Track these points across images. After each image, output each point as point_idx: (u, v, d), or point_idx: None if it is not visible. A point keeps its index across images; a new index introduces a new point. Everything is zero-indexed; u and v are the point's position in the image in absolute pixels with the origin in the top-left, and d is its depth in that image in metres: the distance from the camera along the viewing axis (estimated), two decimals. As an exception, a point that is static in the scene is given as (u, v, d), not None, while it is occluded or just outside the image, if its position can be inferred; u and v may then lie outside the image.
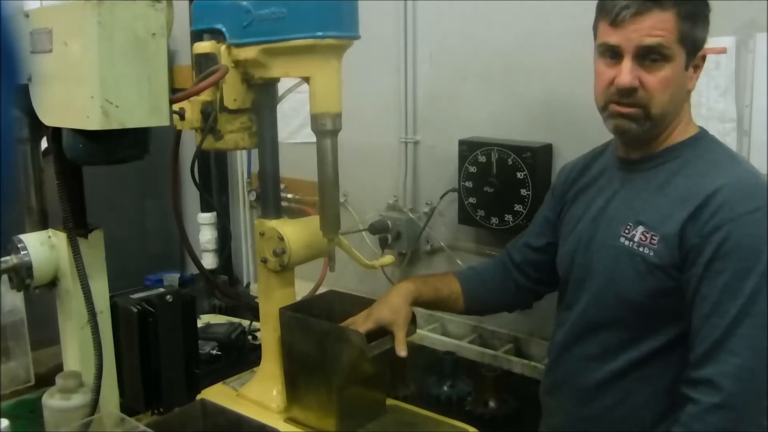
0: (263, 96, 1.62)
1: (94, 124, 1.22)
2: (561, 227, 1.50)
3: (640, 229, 1.29)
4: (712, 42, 1.52)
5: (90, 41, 1.20)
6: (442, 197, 2.01)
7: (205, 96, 1.55)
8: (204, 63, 1.56)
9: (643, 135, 1.31)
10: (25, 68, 1.30)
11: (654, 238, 1.27)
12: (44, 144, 1.49)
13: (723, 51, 1.51)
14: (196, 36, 1.59)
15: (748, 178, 1.24)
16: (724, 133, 1.53)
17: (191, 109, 1.54)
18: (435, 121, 2.07)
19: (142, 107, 1.26)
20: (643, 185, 1.33)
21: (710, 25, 1.45)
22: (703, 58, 1.30)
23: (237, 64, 1.55)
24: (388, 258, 1.83)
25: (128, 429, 1.41)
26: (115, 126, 1.24)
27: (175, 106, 1.52)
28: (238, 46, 1.52)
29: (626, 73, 1.25)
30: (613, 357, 1.33)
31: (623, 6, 1.25)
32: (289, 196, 2.43)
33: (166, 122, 1.31)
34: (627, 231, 1.31)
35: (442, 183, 2.02)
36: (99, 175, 1.55)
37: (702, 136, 1.33)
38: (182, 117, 1.55)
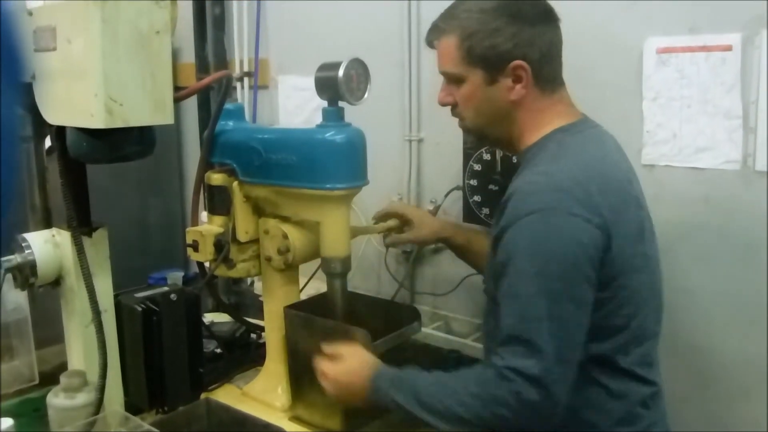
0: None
1: (98, 122, 1.22)
2: None
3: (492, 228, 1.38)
4: (718, 39, 1.52)
5: (94, 39, 1.20)
6: (446, 195, 2.00)
7: (218, 228, 1.60)
8: (217, 194, 1.61)
9: (482, 144, 1.49)
10: (28, 66, 1.30)
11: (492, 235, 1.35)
12: (48, 142, 1.48)
13: (729, 48, 1.50)
14: (209, 163, 1.63)
15: (537, 181, 1.26)
16: (731, 130, 1.52)
17: (204, 242, 1.57)
18: (439, 118, 2.04)
19: (146, 105, 1.26)
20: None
21: (716, 21, 1.45)
22: (521, 68, 1.31)
23: (248, 198, 1.59)
24: (392, 221, 1.83)
25: (133, 428, 1.41)
26: (119, 124, 1.23)
27: (189, 239, 1.59)
28: (250, 184, 1.57)
29: (440, 92, 1.41)
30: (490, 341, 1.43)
31: (426, 35, 1.41)
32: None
33: (170, 120, 1.31)
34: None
35: (447, 181, 2.01)
36: (102, 173, 1.55)
37: (550, 135, 1.34)
38: (196, 249, 1.58)
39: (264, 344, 1.75)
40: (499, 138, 1.41)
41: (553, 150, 1.32)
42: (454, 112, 1.41)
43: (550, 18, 1.35)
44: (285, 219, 1.59)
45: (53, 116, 1.34)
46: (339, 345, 1.41)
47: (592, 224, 1.21)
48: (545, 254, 1.19)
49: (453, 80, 1.37)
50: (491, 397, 1.19)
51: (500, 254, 1.25)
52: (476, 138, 1.45)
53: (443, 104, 1.41)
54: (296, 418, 1.58)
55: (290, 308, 1.58)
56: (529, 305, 1.19)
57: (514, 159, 1.79)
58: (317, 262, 1.59)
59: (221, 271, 1.63)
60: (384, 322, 1.58)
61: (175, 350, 1.56)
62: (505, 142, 1.42)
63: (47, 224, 1.51)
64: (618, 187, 1.30)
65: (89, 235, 1.45)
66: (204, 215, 2.74)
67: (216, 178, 1.60)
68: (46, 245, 1.45)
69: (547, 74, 1.34)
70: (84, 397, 1.42)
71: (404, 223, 1.79)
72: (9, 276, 1.43)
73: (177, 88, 1.36)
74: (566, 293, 1.19)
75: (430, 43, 1.42)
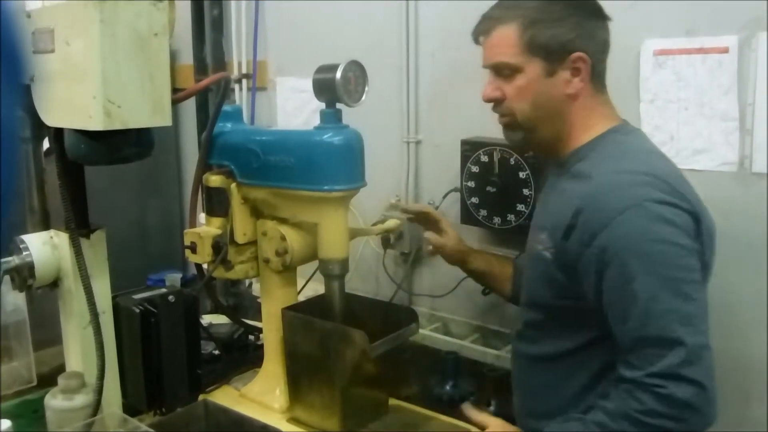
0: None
1: (96, 124, 1.22)
2: None
3: (545, 233, 1.33)
4: (714, 41, 1.52)
5: (92, 40, 1.20)
6: (444, 197, 2.00)
7: (216, 230, 1.60)
8: (215, 196, 1.62)
9: (528, 142, 1.39)
10: (27, 68, 1.30)
11: (550, 241, 1.31)
12: (46, 144, 1.48)
13: (725, 50, 1.51)
14: (207, 165, 1.64)
15: (617, 178, 1.24)
16: (727, 132, 1.52)
17: (202, 244, 1.58)
18: (437, 120, 2.06)
19: (144, 107, 1.26)
20: (556, 190, 1.37)
21: (713, 23, 1.45)
22: (582, 60, 1.29)
23: (246, 200, 1.60)
24: (393, 221, 1.82)
25: (131, 429, 1.41)
26: (117, 126, 1.23)
27: (187, 240, 1.59)
28: (248, 186, 1.57)
29: (486, 86, 1.36)
30: (534, 357, 1.41)
31: (476, 27, 1.36)
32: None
33: (168, 122, 1.31)
34: (541, 237, 1.34)
35: (445, 183, 2.01)
36: (100, 175, 1.55)
37: (605, 134, 1.33)
38: (194, 251, 1.59)
39: (262, 346, 1.75)
40: (547, 136, 1.35)
41: (612, 149, 1.30)
42: (499, 108, 1.36)
43: (603, 16, 1.34)
44: (283, 221, 1.59)
45: (51, 118, 1.35)
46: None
47: (683, 209, 1.19)
48: (652, 247, 1.16)
49: (506, 72, 1.32)
50: (642, 414, 1.12)
51: (595, 259, 1.20)
52: (524, 134, 1.36)
53: (490, 100, 1.36)
54: (294, 420, 1.58)
55: (288, 310, 1.58)
56: (652, 302, 1.14)
57: (512, 161, 1.79)
58: (315, 263, 1.59)
59: (219, 273, 1.63)
60: (382, 323, 1.58)
61: (173, 352, 1.56)
62: (551, 142, 1.37)
63: (45, 226, 1.51)
64: (687, 183, 1.29)
65: (87, 236, 1.45)
66: (202, 217, 2.76)
67: (214, 179, 1.61)
68: (44, 247, 1.45)
69: (600, 71, 1.34)
70: (82, 399, 1.42)
71: (429, 229, 1.78)
72: (7, 277, 1.43)
73: (175, 90, 1.37)
74: (683, 277, 1.16)
75: (477, 38, 1.37)
